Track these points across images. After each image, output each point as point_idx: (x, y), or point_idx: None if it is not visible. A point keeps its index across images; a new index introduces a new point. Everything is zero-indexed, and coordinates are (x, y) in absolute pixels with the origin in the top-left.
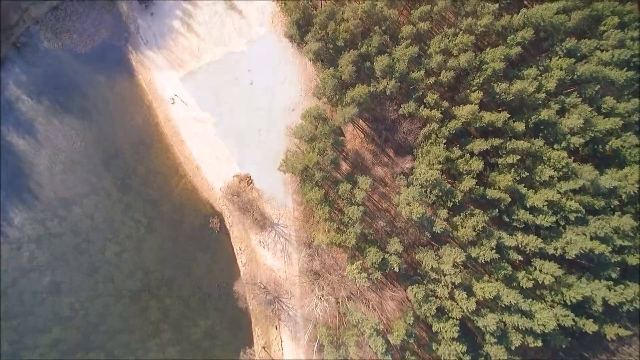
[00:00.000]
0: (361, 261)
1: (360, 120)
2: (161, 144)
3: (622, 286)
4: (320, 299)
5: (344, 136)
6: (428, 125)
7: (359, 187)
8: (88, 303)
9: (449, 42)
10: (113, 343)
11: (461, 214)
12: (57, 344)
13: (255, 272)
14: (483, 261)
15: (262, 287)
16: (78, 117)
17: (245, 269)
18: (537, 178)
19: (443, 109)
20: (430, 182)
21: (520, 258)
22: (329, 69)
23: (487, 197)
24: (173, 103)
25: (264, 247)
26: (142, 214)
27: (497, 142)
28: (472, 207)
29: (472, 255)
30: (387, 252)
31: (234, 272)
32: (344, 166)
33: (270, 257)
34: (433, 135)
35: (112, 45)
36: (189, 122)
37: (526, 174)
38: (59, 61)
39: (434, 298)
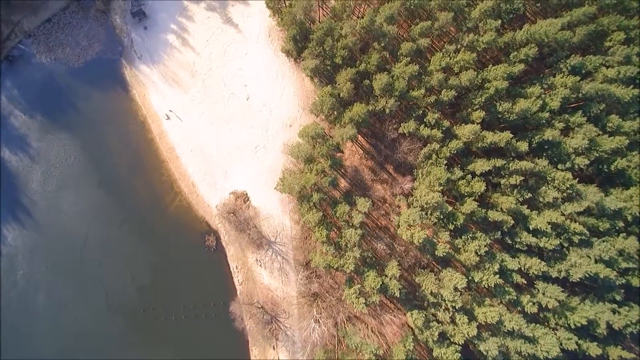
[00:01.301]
0: (359, 285)
1: (360, 136)
2: (156, 160)
3: (626, 308)
4: (318, 321)
5: (343, 152)
6: (429, 145)
7: (357, 210)
8: (82, 321)
9: (450, 59)
10: None
11: (463, 236)
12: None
13: (252, 291)
14: (486, 286)
15: (259, 306)
16: (71, 133)
17: (242, 287)
18: (541, 199)
19: (444, 128)
20: (431, 204)
21: (524, 281)
22: (326, 86)
23: (490, 219)
24: (168, 119)
25: (260, 265)
26: (137, 230)
27: (499, 162)
28: (474, 228)
29: (475, 280)
30: (386, 276)
31: (230, 291)
32: (343, 183)
33: (267, 275)
34: (434, 156)
35: (105, 59)
36: (184, 138)
37: (529, 195)
38: (52, 75)
39: (436, 323)
